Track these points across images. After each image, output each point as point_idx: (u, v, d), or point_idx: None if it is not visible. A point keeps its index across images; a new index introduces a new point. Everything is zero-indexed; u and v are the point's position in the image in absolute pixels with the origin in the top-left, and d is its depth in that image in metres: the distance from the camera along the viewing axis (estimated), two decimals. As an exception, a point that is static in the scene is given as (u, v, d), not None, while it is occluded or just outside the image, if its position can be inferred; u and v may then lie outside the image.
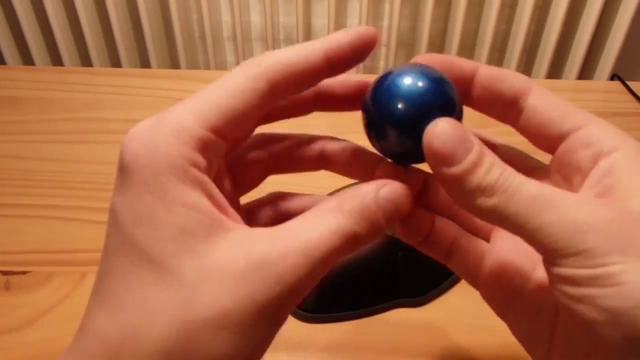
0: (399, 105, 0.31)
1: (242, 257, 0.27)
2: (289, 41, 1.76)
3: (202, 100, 0.30)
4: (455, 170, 0.29)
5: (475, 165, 0.29)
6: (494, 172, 0.29)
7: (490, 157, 0.29)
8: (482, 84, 0.35)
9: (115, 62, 1.79)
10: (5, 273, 0.58)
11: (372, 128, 0.34)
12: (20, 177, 0.71)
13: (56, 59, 1.78)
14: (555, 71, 1.71)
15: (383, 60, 1.75)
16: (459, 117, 0.33)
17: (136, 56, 1.80)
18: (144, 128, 0.29)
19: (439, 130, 0.29)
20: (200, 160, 0.29)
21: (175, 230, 0.27)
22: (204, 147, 0.29)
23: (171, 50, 1.80)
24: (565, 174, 0.34)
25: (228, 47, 1.79)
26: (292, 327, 0.51)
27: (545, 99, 0.34)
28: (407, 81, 0.32)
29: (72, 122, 0.84)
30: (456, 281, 0.57)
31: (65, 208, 0.67)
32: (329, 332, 0.52)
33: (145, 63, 1.80)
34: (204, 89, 0.30)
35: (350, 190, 0.32)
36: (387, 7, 1.66)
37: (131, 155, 0.28)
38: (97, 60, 1.74)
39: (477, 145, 0.29)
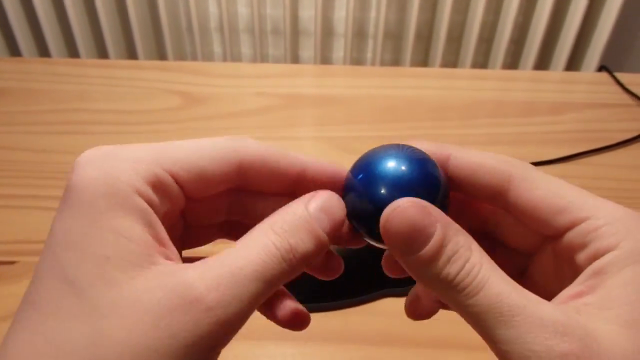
0: (383, 191, 0.30)
1: (161, 288, 0.25)
2: (276, 33, 1.75)
3: (167, 146, 0.30)
4: (415, 258, 0.27)
5: (437, 253, 0.27)
6: (457, 263, 0.27)
7: (454, 243, 0.27)
8: (457, 176, 0.32)
9: (103, 54, 1.78)
10: (-8, 264, 0.58)
11: (356, 213, 0.31)
12: (8, 168, 0.71)
13: (43, 51, 1.77)
14: (542, 62, 1.71)
15: (370, 52, 1.75)
16: (443, 195, 0.31)
17: (123, 48, 1.79)
18: (101, 153, 0.28)
19: (398, 214, 0.27)
20: (149, 193, 0.28)
21: (100, 258, 0.25)
22: (156, 184, 0.28)
23: (158, 41, 1.80)
24: (559, 264, 0.31)
25: (215, 38, 1.79)
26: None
27: (528, 193, 0.30)
28: (390, 165, 0.30)
29: (59, 113, 0.83)
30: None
31: (53, 198, 0.66)
32: (317, 322, 0.52)
33: (132, 54, 1.80)
34: (177, 141, 0.30)
35: (280, 211, 0.30)
36: (374, -2, 1.66)
37: (80, 177, 0.27)
38: (84, 52, 1.73)
39: (440, 229, 0.27)
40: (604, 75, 0.98)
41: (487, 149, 0.68)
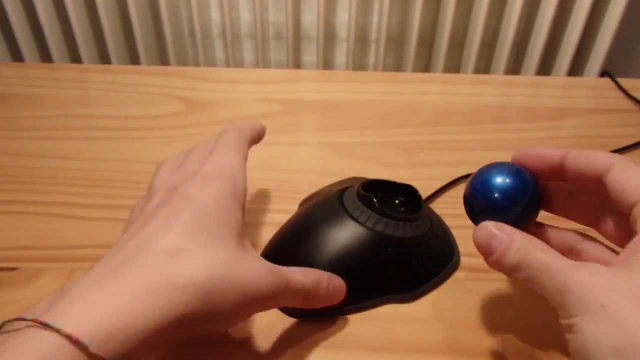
0: (496, 195, 0.45)
1: (260, 258, 0.44)
2: (278, 38, 1.75)
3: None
4: (493, 258, 0.43)
5: (506, 252, 0.41)
6: (519, 254, 0.41)
7: (517, 244, 0.41)
8: (570, 169, 0.44)
9: (105, 59, 1.78)
10: (-6, 270, 0.58)
11: (475, 209, 0.46)
12: (9, 174, 0.71)
13: (45, 56, 1.77)
14: (545, 68, 1.71)
15: (373, 57, 1.75)
16: (536, 199, 0.46)
17: (125, 53, 1.79)
18: (229, 173, 0.47)
19: (481, 232, 0.44)
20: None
21: (226, 227, 0.43)
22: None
23: (160, 47, 1.80)
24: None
25: (217, 44, 1.79)
26: (281, 322, 0.51)
27: (619, 176, 0.41)
28: (499, 180, 0.45)
29: (61, 118, 0.83)
30: (446, 277, 0.57)
31: (55, 204, 0.66)
32: (318, 328, 0.51)
33: (134, 60, 1.80)
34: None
35: (318, 272, 0.49)
36: (376, 3, 1.66)
37: (222, 182, 0.46)
38: (86, 57, 1.73)
39: (507, 237, 0.42)
40: (607, 80, 0.98)
41: (489, 154, 0.68)
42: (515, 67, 1.75)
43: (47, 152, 0.75)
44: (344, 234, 0.54)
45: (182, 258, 0.39)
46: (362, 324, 0.52)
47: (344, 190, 0.59)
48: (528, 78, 1.35)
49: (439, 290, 0.56)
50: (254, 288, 0.41)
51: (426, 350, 0.50)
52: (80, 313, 0.34)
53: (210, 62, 1.80)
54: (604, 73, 1.01)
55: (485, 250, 0.43)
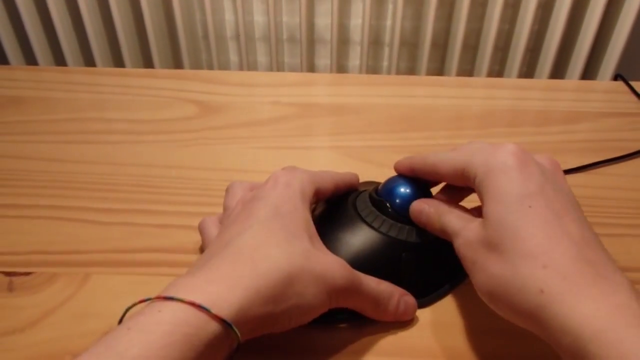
0: (398, 201, 0.56)
1: (327, 252, 0.49)
2: (292, 41, 1.76)
3: (313, 175, 0.55)
4: (422, 217, 0.53)
5: (431, 220, 0.52)
6: (439, 220, 0.51)
7: (435, 209, 0.52)
8: (419, 174, 0.57)
9: (118, 62, 1.79)
10: (8, 274, 0.58)
11: (386, 212, 0.56)
12: (24, 178, 0.71)
13: (59, 59, 1.78)
14: (558, 71, 1.71)
15: (386, 60, 1.75)
16: (424, 193, 0.57)
17: (139, 56, 1.80)
18: (297, 176, 0.53)
19: (414, 208, 0.55)
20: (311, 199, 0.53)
21: (303, 226, 0.48)
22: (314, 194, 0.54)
23: (174, 49, 1.80)
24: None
25: (231, 46, 1.80)
26: (294, 328, 0.51)
27: (441, 170, 0.53)
28: (402, 189, 0.57)
29: (75, 122, 0.84)
30: (459, 283, 0.57)
31: (69, 209, 0.66)
32: (330, 334, 0.51)
33: (148, 63, 1.80)
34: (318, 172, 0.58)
35: (391, 285, 0.52)
36: (390, 7, 1.66)
37: (292, 183, 0.52)
38: (100, 60, 1.74)
39: (427, 207, 0.53)
40: (620, 84, 0.97)
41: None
42: (528, 70, 1.75)
43: (61, 156, 0.76)
44: (358, 239, 0.54)
45: (264, 249, 0.44)
46: (374, 330, 0.52)
47: (357, 194, 0.59)
48: (541, 82, 1.35)
49: (453, 295, 0.56)
50: (330, 278, 0.46)
51: (439, 356, 0.50)
52: (185, 294, 0.39)
53: (224, 65, 1.81)
54: (617, 76, 1.00)
55: (418, 215, 0.54)
